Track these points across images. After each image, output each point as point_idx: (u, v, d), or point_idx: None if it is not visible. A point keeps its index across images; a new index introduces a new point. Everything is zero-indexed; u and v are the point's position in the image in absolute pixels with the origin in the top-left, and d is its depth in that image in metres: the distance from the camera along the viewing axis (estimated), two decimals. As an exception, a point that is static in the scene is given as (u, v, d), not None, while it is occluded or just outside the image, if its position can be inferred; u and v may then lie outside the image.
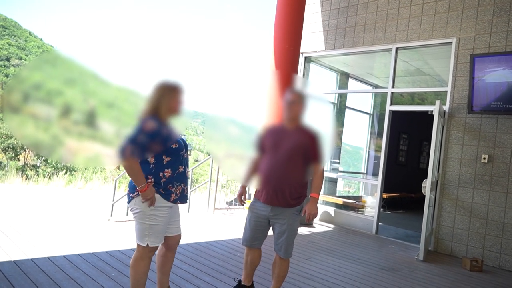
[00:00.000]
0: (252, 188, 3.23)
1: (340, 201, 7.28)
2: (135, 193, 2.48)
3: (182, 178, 2.59)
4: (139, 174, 2.40)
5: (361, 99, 8.97)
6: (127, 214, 6.99)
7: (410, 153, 11.02)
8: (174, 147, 2.51)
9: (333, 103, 7.66)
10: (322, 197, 7.08)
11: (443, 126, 5.51)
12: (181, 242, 4.54)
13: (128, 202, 2.56)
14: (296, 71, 6.31)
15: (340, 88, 8.09)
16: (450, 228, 5.38)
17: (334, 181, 8.32)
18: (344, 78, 8.29)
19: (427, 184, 4.91)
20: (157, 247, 2.61)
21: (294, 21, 6.14)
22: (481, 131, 5.24)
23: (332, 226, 6.57)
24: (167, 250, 2.72)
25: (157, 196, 2.48)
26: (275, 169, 2.75)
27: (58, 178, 17.15)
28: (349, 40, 6.85)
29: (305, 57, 7.53)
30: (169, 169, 2.51)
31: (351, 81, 8.51)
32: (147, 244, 2.49)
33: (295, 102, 2.79)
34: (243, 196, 3.01)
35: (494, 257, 5.03)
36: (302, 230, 5.82)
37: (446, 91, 5.60)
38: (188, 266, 3.78)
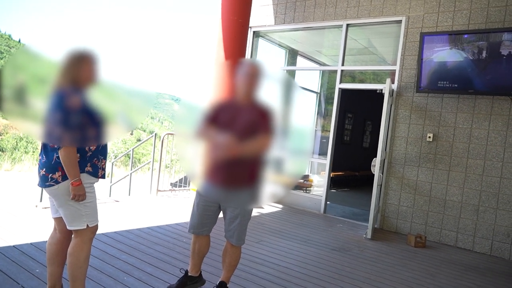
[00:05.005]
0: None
1: (288, 180, 7.17)
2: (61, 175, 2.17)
3: (105, 151, 2.37)
4: (76, 164, 2.14)
5: (308, 78, 8.84)
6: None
7: (355, 132, 11.23)
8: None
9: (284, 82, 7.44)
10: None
11: (391, 105, 5.52)
12: (120, 228, 4.17)
13: (50, 186, 2.16)
14: (245, 45, 5.97)
15: (288, 65, 7.88)
16: (396, 205, 5.47)
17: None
18: (292, 55, 8.09)
19: (376, 163, 4.91)
20: (97, 226, 2.34)
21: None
22: (427, 110, 5.32)
23: (281, 206, 6.46)
24: (64, 237, 2.37)
25: (85, 174, 2.22)
26: None
27: (-19, 160, 15.53)
28: (299, 14, 6.62)
29: (254, 32, 7.20)
30: None
31: (299, 59, 8.34)
32: (87, 225, 2.25)
33: (253, 75, 2.49)
34: None
35: (435, 233, 5.19)
36: (251, 211, 5.63)
37: (395, 70, 5.60)
38: (127, 255, 3.42)
